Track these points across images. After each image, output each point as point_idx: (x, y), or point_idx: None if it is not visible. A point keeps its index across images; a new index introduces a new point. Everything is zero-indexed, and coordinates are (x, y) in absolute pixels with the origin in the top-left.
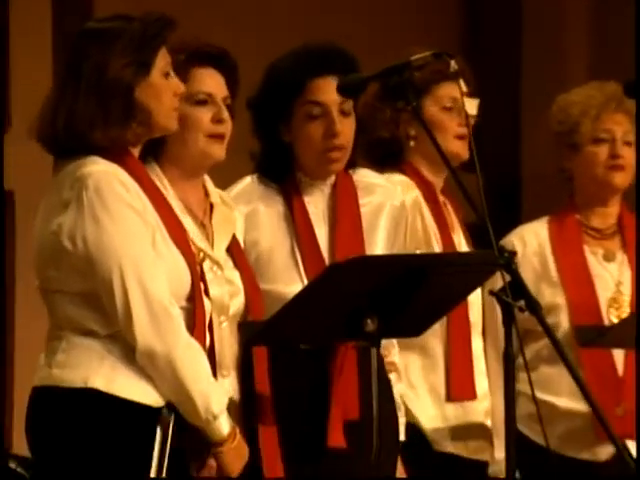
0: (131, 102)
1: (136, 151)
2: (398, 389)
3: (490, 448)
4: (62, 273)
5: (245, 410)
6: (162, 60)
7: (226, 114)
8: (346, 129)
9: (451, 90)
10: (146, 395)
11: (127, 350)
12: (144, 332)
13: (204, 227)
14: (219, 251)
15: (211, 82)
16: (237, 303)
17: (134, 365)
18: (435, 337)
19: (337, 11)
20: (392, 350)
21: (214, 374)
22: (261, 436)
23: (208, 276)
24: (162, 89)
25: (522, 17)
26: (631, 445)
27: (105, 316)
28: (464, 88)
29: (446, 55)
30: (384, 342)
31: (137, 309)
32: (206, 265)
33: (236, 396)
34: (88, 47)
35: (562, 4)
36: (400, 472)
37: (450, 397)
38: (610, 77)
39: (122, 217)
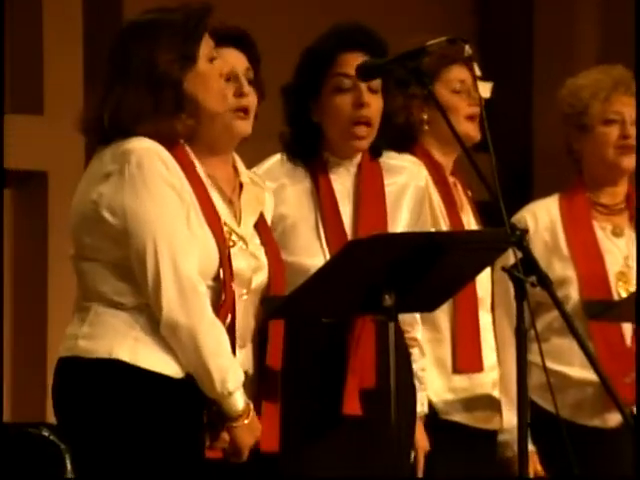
0: (181, 94)
1: (183, 139)
2: (420, 364)
3: (498, 417)
4: (97, 241)
5: (259, 383)
6: (206, 47)
7: (248, 88)
8: (374, 104)
9: (459, 73)
10: (167, 366)
11: (152, 322)
12: (171, 305)
13: (232, 204)
14: (246, 227)
15: (232, 59)
16: (260, 278)
17: (157, 337)
18: (442, 312)
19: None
20: (416, 326)
21: (233, 345)
22: (263, 406)
23: (233, 250)
24: (209, 75)
25: (533, 2)
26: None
27: (134, 287)
28: (477, 72)
29: (460, 40)
30: (408, 318)
31: (166, 282)
32: (231, 239)
33: (250, 369)
34: (134, 42)
35: None
36: (422, 440)
37: (457, 369)
38: (619, 60)
39: (160, 194)
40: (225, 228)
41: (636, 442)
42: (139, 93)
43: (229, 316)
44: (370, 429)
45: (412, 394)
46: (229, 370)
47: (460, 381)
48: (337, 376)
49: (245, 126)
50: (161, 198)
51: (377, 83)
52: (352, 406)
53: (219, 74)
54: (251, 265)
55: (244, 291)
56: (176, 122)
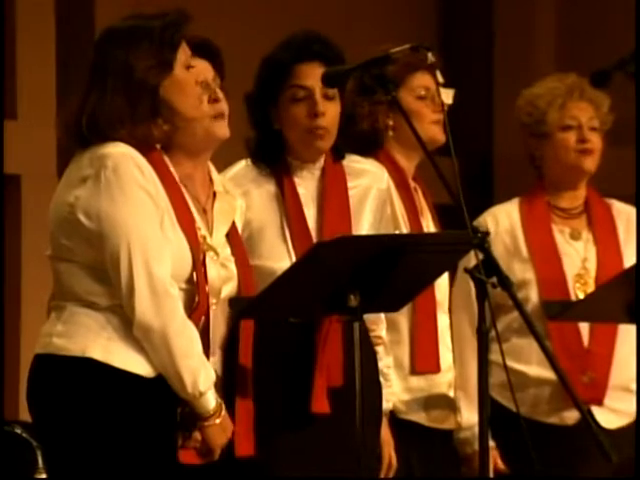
0: (157, 100)
1: (158, 145)
2: (385, 362)
3: (453, 417)
4: (74, 243)
5: (227, 388)
6: (183, 54)
7: (221, 94)
8: (329, 112)
9: (423, 80)
10: (140, 366)
11: (125, 323)
12: (143, 307)
13: (205, 213)
14: (217, 237)
15: (202, 69)
16: (229, 288)
17: (130, 337)
18: (401, 314)
19: (315, 6)
20: (380, 325)
21: (207, 353)
22: (237, 408)
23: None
24: (185, 82)
25: (493, 12)
26: (596, 411)
27: (108, 288)
28: (440, 79)
29: (423, 48)
30: (372, 317)
31: (139, 284)
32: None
33: (220, 373)
34: (113, 48)
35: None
36: (385, 434)
37: (415, 370)
38: (575, 67)
39: (135, 198)
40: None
41: (636, 442)
42: (116, 98)
43: (203, 319)
44: (338, 427)
45: (378, 391)
46: (200, 371)
47: (417, 381)
48: (305, 375)
49: (224, 129)
50: (136, 202)
51: (333, 90)
52: (320, 404)
53: (195, 81)
54: (221, 275)
55: (214, 301)
56: (152, 127)
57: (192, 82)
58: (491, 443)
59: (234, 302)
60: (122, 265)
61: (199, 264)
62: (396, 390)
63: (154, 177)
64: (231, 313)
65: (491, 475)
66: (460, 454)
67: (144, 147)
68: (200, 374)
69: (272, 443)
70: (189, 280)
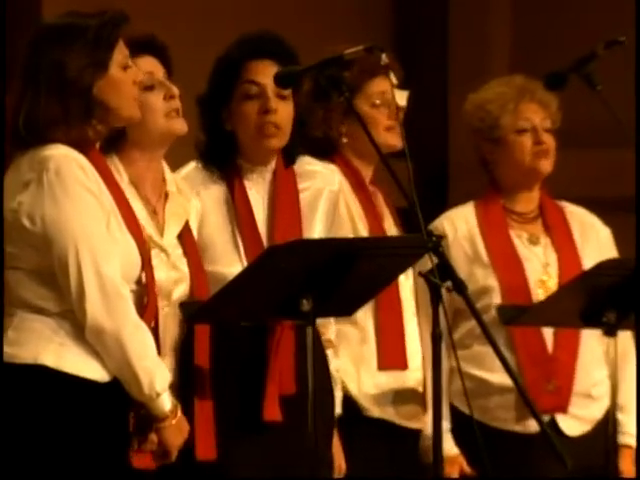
0: (90, 101)
1: (97, 143)
2: (335, 365)
3: (422, 417)
4: (19, 249)
5: (182, 389)
6: (119, 54)
7: (176, 90)
8: (282, 110)
9: (380, 86)
10: (93, 371)
11: (76, 328)
12: (95, 310)
13: (156, 214)
14: (168, 238)
15: (151, 67)
16: (181, 289)
17: (82, 342)
18: (365, 312)
19: (274, 10)
20: (330, 328)
21: (158, 355)
22: (197, 411)
23: (154, 261)
24: (121, 82)
25: (448, 17)
26: (560, 418)
27: (58, 293)
28: (394, 81)
29: (376, 49)
30: (323, 321)
31: (89, 287)
32: (152, 251)
33: (172, 376)
34: (46, 46)
35: (486, 4)
36: (336, 446)
37: (381, 366)
38: (530, 72)
39: (80, 199)
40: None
41: (638, 445)
42: (49, 99)
43: (153, 321)
44: (291, 435)
45: (331, 398)
46: (156, 372)
47: (384, 378)
48: (259, 382)
49: (182, 125)
50: (80, 204)
51: (287, 92)
52: (272, 412)
53: (132, 81)
54: (171, 277)
55: (164, 303)
56: (87, 128)
57: (129, 82)
58: (456, 450)
59: (184, 306)
60: (70, 268)
61: (147, 264)
62: (362, 386)
63: (97, 177)
64: (182, 318)
65: None
66: (424, 462)
67: (82, 148)
68: (156, 375)
69: (227, 448)
70: (138, 281)
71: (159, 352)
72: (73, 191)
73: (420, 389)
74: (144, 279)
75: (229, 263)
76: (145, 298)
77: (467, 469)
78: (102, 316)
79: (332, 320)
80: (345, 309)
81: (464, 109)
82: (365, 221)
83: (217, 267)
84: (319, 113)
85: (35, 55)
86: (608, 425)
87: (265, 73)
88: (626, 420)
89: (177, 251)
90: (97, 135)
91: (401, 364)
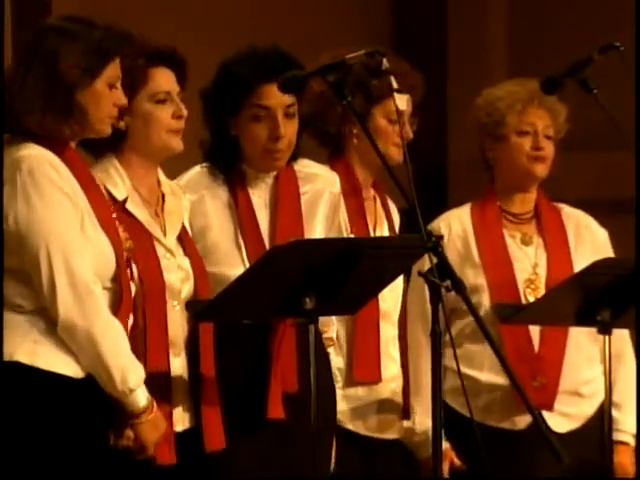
0: (71, 101)
1: (73, 142)
2: (335, 362)
3: (396, 427)
4: None
5: (194, 387)
6: (111, 71)
7: (185, 111)
8: (289, 131)
9: (401, 105)
10: (67, 367)
11: (50, 325)
12: (66, 307)
13: (158, 216)
14: (171, 239)
15: (167, 81)
16: (188, 287)
17: (57, 339)
18: (339, 323)
19: (273, 10)
20: (331, 326)
21: (167, 354)
22: (203, 406)
23: (162, 262)
24: (103, 97)
25: (446, 18)
26: (547, 415)
27: (31, 291)
28: (395, 85)
29: (378, 53)
30: (324, 319)
31: (61, 285)
32: (160, 252)
33: (186, 376)
34: (47, 39)
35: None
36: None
37: (354, 380)
38: (528, 72)
39: (52, 199)
40: (155, 243)
41: (637, 447)
42: (35, 86)
43: (131, 317)
44: (295, 433)
45: (333, 395)
46: (129, 368)
47: (355, 391)
48: (262, 380)
49: (179, 144)
50: (53, 203)
51: (294, 108)
52: (275, 410)
53: (113, 103)
54: (179, 276)
55: (175, 302)
56: (63, 126)
57: (109, 101)
58: (446, 444)
59: (190, 304)
60: (42, 266)
61: (122, 262)
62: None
63: (70, 177)
64: (188, 316)
65: (446, 476)
66: (416, 458)
67: (56, 145)
68: (129, 371)
69: (230, 446)
70: (114, 279)
71: (168, 352)
72: (45, 191)
73: (396, 399)
74: (120, 276)
75: (232, 265)
76: (122, 295)
77: (457, 462)
78: (74, 314)
79: (333, 319)
80: (348, 308)
81: (475, 103)
82: (348, 226)
83: (221, 269)
84: (337, 109)
85: (36, 41)
86: (603, 422)
87: (275, 95)
88: (621, 417)
89: (179, 251)
90: (73, 135)
91: (375, 378)
